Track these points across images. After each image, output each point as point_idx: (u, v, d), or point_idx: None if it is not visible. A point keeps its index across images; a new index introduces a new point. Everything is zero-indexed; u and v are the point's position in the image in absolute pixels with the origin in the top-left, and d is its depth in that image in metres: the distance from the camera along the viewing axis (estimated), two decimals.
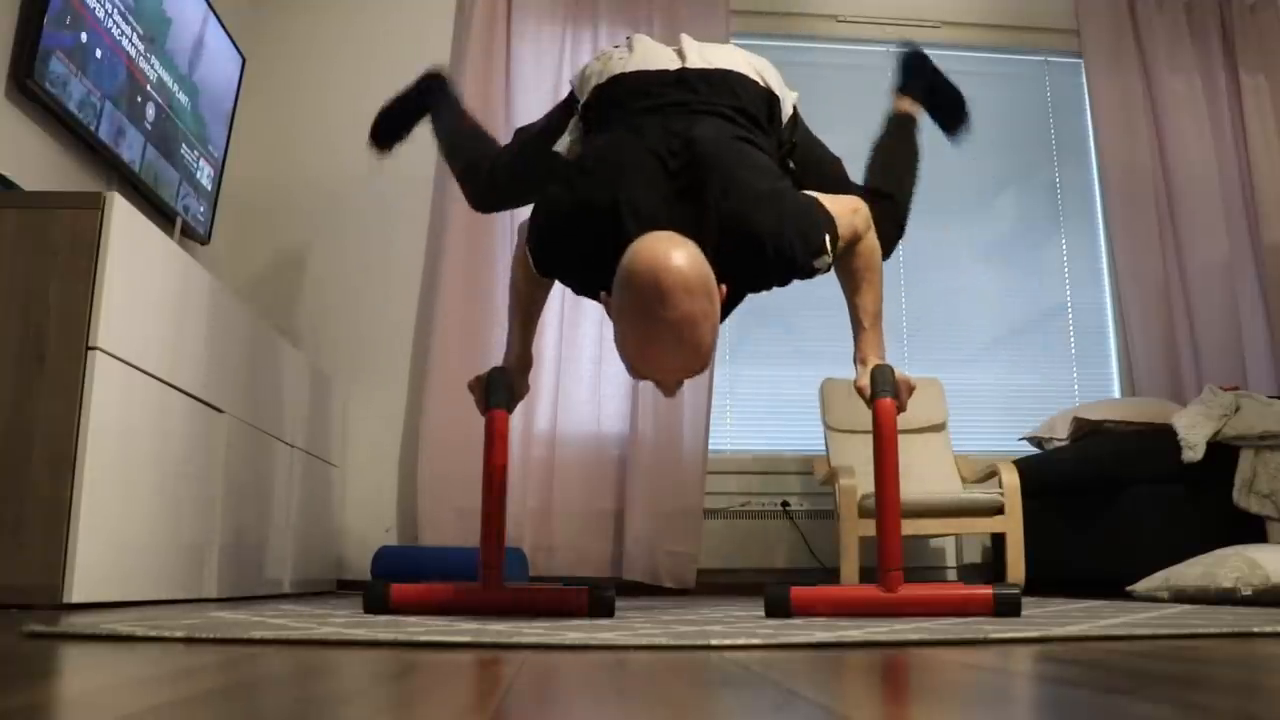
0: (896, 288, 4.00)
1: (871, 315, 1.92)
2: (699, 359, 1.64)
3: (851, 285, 1.93)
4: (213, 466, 2.32)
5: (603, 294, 1.70)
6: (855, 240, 1.89)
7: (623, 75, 1.92)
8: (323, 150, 3.81)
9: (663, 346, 1.60)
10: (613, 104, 1.91)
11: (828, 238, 1.77)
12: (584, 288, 1.88)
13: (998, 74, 4.33)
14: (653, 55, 1.95)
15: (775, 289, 1.87)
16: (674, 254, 1.58)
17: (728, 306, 1.79)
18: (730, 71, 1.92)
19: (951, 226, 4.13)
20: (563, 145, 2.13)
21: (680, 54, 1.95)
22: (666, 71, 1.90)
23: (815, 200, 1.80)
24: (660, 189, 1.72)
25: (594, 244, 1.72)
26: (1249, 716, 0.65)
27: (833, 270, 1.91)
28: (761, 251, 1.73)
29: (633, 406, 3.58)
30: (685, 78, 1.89)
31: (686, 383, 3.95)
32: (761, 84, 1.95)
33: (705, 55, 1.95)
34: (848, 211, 1.86)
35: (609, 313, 1.69)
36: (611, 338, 3.89)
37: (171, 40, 2.84)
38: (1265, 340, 3.94)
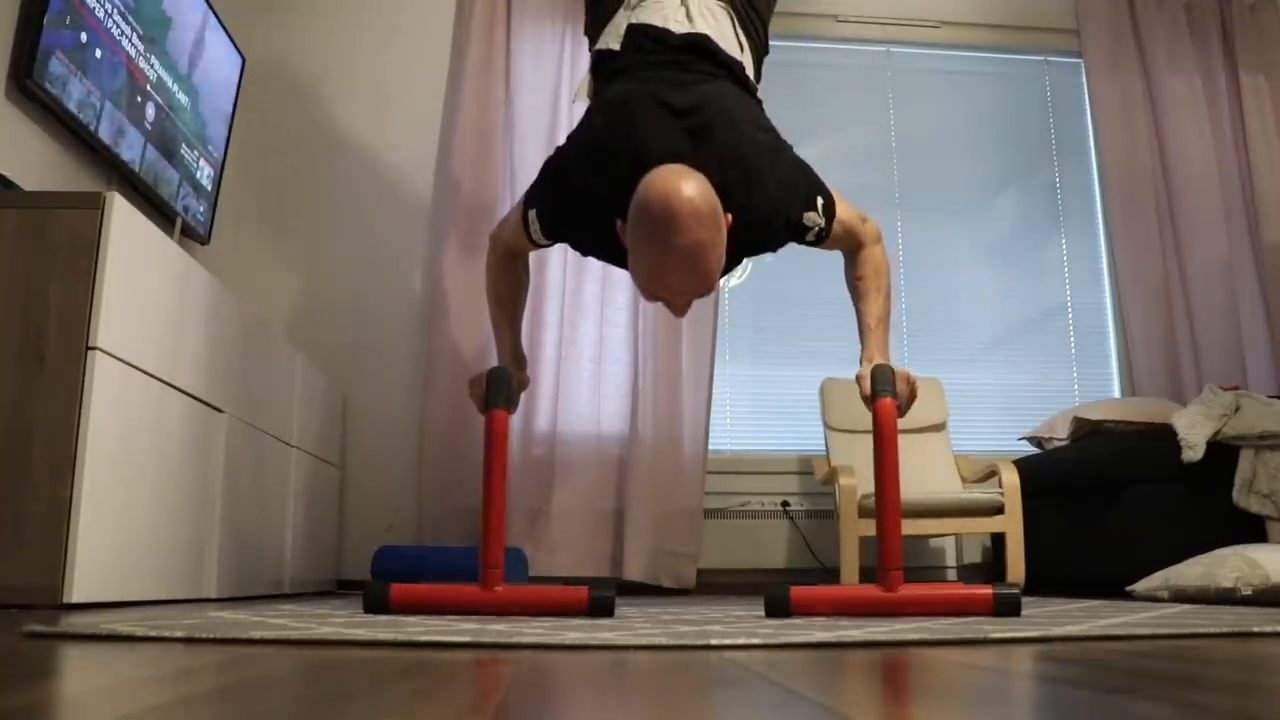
0: (897, 288, 4.00)
1: (877, 318, 2.01)
2: (707, 282, 1.79)
3: (858, 294, 2.03)
4: (213, 466, 2.32)
5: (619, 222, 1.82)
6: (859, 247, 2.02)
7: (635, 25, 2.04)
8: (323, 150, 3.81)
9: (674, 269, 1.74)
10: (623, 53, 2.04)
11: (821, 200, 1.92)
12: (593, 238, 1.97)
13: (998, 74, 4.33)
14: (659, 12, 2.06)
15: (770, 255, 2.05)
16: (685, 184, 1.71)
17: (729, 263, 1.92)
18: (719, 47, 2.04)
19: (951, 226, 4.13)
20: (579, 87, 2.27)
21: (688, 16, 2.06)
22: (671, 33, 2.01)
23: (815, 176, 1.97)
24: (669, 129, 1.84)
25: (607, 185, 1.82)
26: (1249, 716, 0.65)
27: (844, 284, 2.05)
28: (764, 189, 1.86)
29: (633, 406, 3.58)
30: (691, 42, 2.01)
31: (686, 382, 3.94)
32: (740, 61, 2.08)
33: (705, 21, 2.06)
34: (853, 212, 2.00)
35: (623, 240, 1.81)
36: (611, 339, 3.89)
37: (171, 40, 2.84)
38: (1265, 340, 3.94)
